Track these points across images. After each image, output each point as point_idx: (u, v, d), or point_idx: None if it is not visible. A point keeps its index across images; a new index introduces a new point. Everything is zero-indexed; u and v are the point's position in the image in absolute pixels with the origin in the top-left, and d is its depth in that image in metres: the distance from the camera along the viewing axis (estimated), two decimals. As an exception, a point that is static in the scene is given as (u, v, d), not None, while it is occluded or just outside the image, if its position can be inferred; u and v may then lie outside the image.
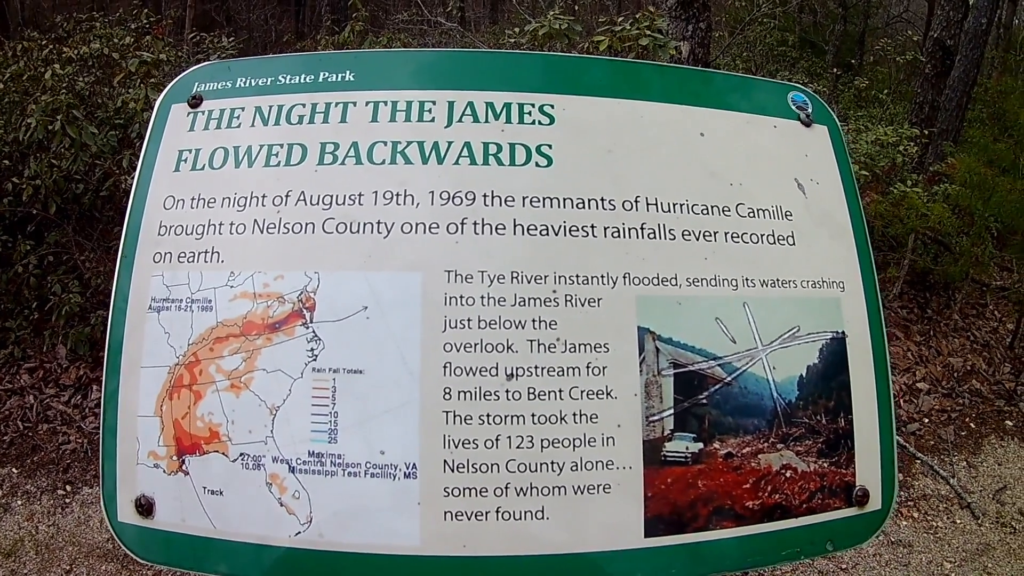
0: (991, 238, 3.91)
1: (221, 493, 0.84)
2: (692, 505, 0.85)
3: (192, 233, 0.90)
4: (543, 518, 0.81)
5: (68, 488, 2.54)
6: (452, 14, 4.48)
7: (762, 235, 0.94)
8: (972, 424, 3.24)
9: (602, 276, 0.86)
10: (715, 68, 7.12)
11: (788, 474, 0.90)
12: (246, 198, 0.90)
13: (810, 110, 1.04)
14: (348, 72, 0.95)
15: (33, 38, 3.48)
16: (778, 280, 0.93)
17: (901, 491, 2.47)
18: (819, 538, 0.91)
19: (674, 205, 0.91)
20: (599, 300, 0.85)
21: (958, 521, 2.48)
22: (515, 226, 0.87)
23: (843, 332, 0.95)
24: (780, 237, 0.95)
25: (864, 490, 0.93)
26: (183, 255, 0.89)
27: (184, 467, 0.85)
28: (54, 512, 2.43)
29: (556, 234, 0.87)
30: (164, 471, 0.86)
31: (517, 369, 0.82)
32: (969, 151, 4.25)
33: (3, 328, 3.09)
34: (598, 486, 0.82)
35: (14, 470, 2.59)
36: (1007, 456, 3.08)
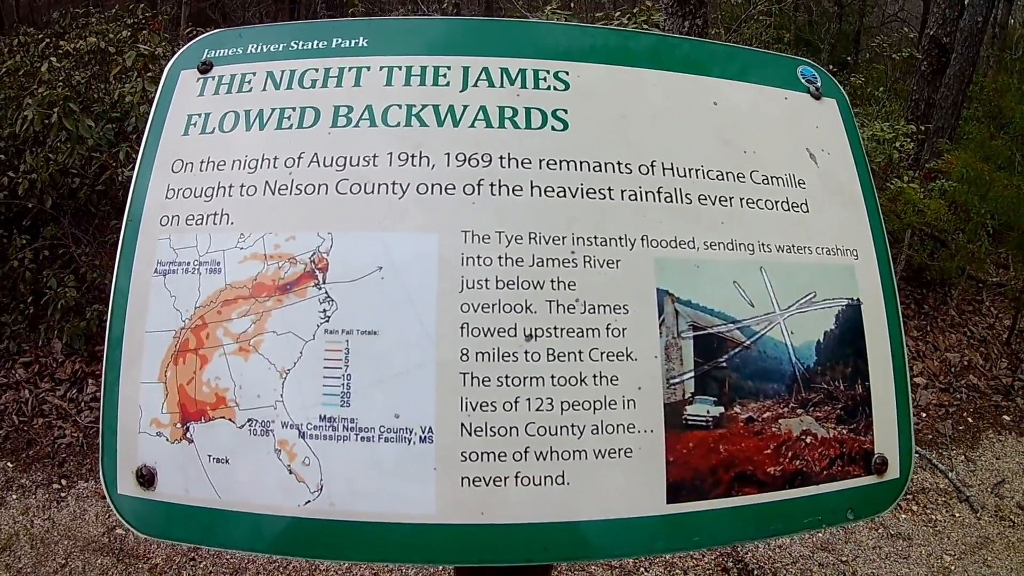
0: (987, 235, 3.94)
1: (227, 461, 0.81)
2: (714, 471, 0.84)
3: (201, 196, 0.88)
4: (564, 483, 0.79)
5: (63, 482, 2.50)
6: (447, 11, 4.49)
7: (777, 202, 0.93)
8: (970, 419, 3.25)
9: (620, 238, 0.85)
10: None
11: (808, 440, 0.89)
12: (257, 160, 0.88)
13: (819, 84, 1.04)
14: (361, 38, 0.94)
15: (29, 34, 3.46)
16: (793, 246, 0.92)
17: None
18: (840, 506, 0.89)
19: (690, 170, 0.90)
20: (618, 262, 0.84)
21: (957, 515, 2.49)
22: (532, 187, 0.85)
23: (858, 299, 0.94)
24: (794, 204, 0.94)
25: (883, 458, 0.92)
26: (191, 218, 0.87)
27: (188, 435, 0.83)
28: (49, 506, 2.38)
29: (573, 196, 0.86)
30: (167, 439, 0.83)
31: (536, 330, 0.81)
32: (966, 148, 4.28)
33: (-3, 323, 3.05)
34: (619, 450, 0.81)
35: (9, 464, 2.55)
36: (1005, 450, 3.09)
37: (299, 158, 0.87)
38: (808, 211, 0.95)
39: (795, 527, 0.89)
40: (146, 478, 0.83)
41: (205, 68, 0.95)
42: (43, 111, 2.71)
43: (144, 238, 0.88)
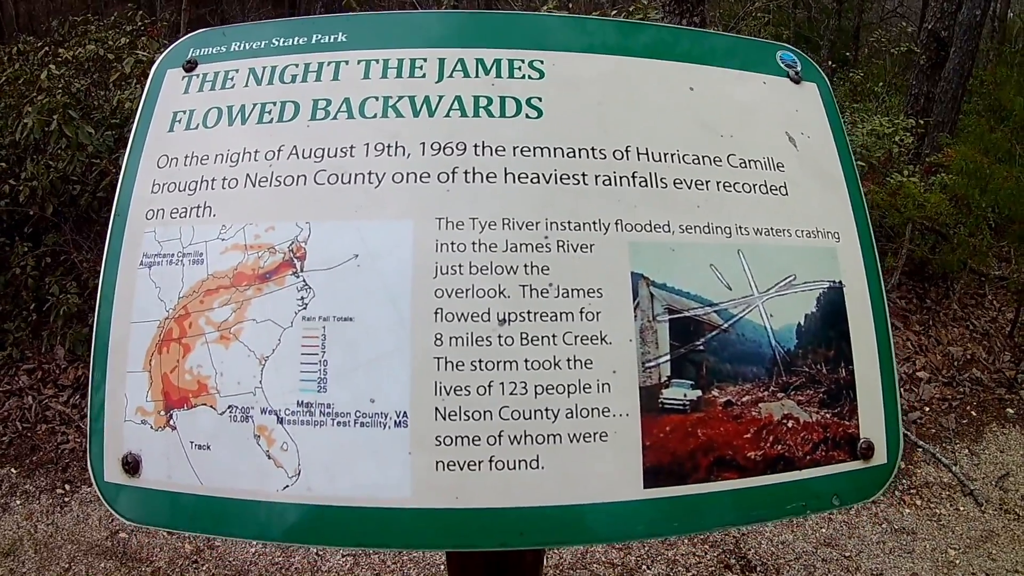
0: (989, 228, 3.91)
1: (208, 447, 0.82)
2: (692, 455, 0.83)
3: (185, 189, 0.90)
4: (538, 467, 0.79)
5: (67, 487, 2.52)
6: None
7: (755, 185, 0.93)
8: (973, 412, 3.22)
9: (594, 222, 0.85)
10: None
11: (790, 424, 0.88)
12: (239, 154, 0.90)
13: (799, 68, 1.04)
14: (340, 34, 0.96)
15: (29, 42, 3.52)
16: (772, 229, 0.92)
17: (904, 479, 2.44)
18: (824, 492, 0.89)
19: (665, 155, 0.91)
20: (591, 246, 0.85)
21: (961, 508, 2.45)
22: (506, 174, 0.86)
23: (840, 282, 0.93)
24: (773, 187, 0.94)
25: (869, 443, 0.91)
26: (175, 211, 0.89)
27: (171, 422, 0.84)
28: (53, 511, 2.41)
29: (547, 182, 0.86)
30: (151, 427, 0.84)
31: (510, 314, 0.81)
32: (965, 141, 4.24)
33: (1, 330, 3.09)
34: (595, 434, 0.81)
35: (13, 470, 2.57)
36: (1009, 444, 3.05)
37: (279, 151, 0.89)
38: (787, 194, 0.95)
39: (778, 513, 0.88)
40: (131, 465, 0.84)
41: (190, 66, 0.97)
42: (43, 119, 2.75)
43: (130, 231, 0.90)
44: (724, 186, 0.92)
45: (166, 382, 0.85)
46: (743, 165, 0.94)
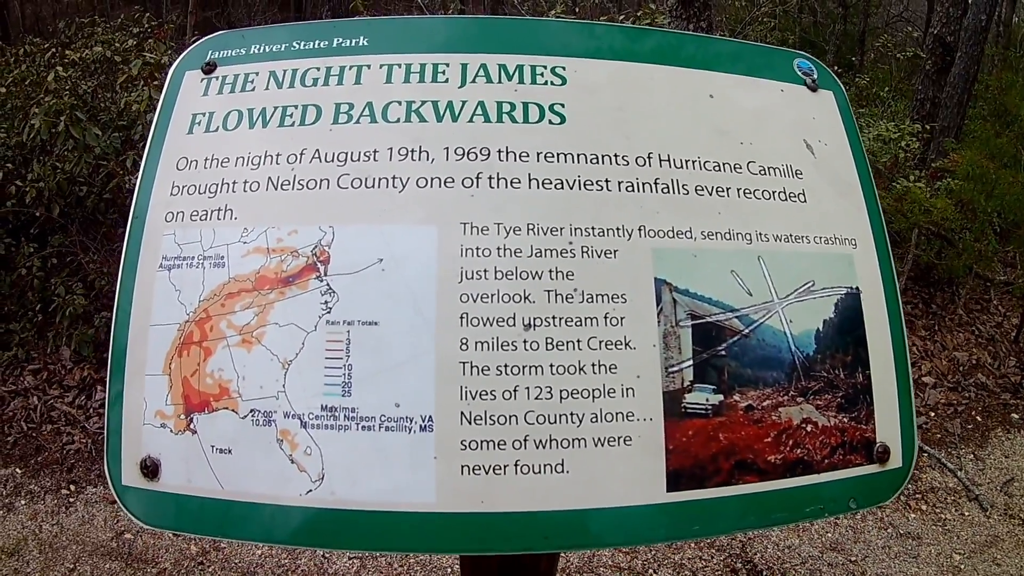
0: (994, 233, 3.91)
1: (229, 452, 0.82)
2: (714, 459, 0.84)
3: (205, 192, 0.90)
4: (563, 471, 0.80)
5: (72, 488, 2.52)
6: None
7: (774, 192, 0.94)
8: (978, 417, 3.23)
9: (618, 228, 0.86)
10: None
11: (809, 428, 0.89)
12: (260, 157, 0.90)
13: (815, 76, 1.05)
14: (362, 37, 0.96)
15: (36, 43, 3.52)
16: (791, 235, 0.93)
17: (909, 484, 2.44)
18: (842, 495, 0.89)
19: (686, 162, 0.91)
20: (615, 252, 0.85)
21: (966, 513, 2.46)
22: (530, 180, 0.86)
23: (857, 288, 0.94)
24: (791, 194, 0.95)
25: (885, 447, 0.91)
26: (195, 213, 0.89)
27: (192, 426, 0.84)
28: (58, 512, 2.40)
29: (571, 188, 0.87)
30: (171, 431, 0.84)
31: (535, 319, 0.82)
32: (971, 146, 4.23)
33: (7, 330, 3.08)
34: (619, 438, 0.81)
35: (18, 470, 2.57)
36: (1014, 449, 3.07)
37: (301, 154, 0.89)
38: (806, 201, 0.95)
39: (797, 516, 0.88)
40: (150, 469, 0.84)
41: (209, 69, 0.97)
42: (50, 120, 2.75)
43: (149, 234, 0.90)
44: (744, 193, 0.92)
45: (186, 385, 0.85)
46: (762, 172, 0.94)
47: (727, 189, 0.91)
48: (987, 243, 3.80)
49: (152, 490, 0.84)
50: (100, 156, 2.94)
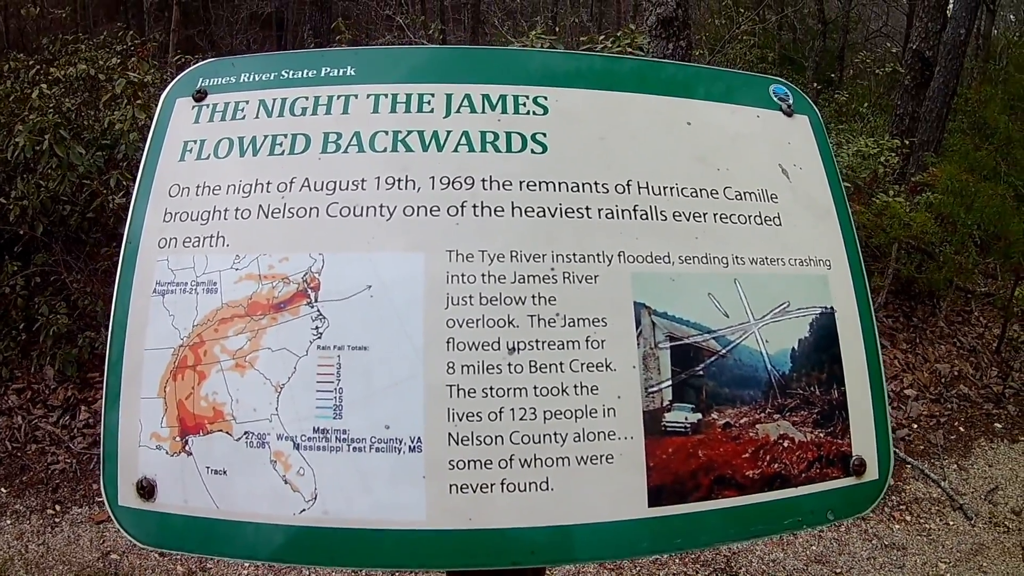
0: (974, 246, 3.99)
1: (224, 473, 0.84)
2: (694, 475, 0.87)
3: (198, 219, 0.92)
4: (548, 489, 0.82)
5: (57, 508, 2.49)
6: (434, 37, 4.59)
7: (750, 216, 0.98)
8: (961, 428, 3.30)
9: (598, 254, 0.89)
10: None
11: (786, 444, 0.92)
12: (251, 185, 0.92)
13: (791, 101, 1.10)
14: (349, 67, 0.99)
15: (19, 59, 3.50)
16: (767, 258, 0.97)
17: (893, 495, 2.49)
18: (819, 508, 0.92)
19: (664, 188, 0.95)
20: (596, 277, 0.88)
21: (951, 523, 2.51)
22: (513, 208, 0.90)
23: (831, 307, 0.98)
24: (767, 218, 0.99)
25: (861, 460, 0.95)
26: (188, 240, 0.91)
27: (187, 448, 0.85)
28: (44, 531, 2.38)
29: (553, 215, 0.90)
30: (167, 452, 0.86)
31: (519, 343, 0.84)
32: (950, 160, 4.33)
33: (-10, 349, 3.05)
34: (601, 456, 0.84)
35: (3, 490, 2.54)
36: (997, 458, 3.13)
37: (291, 183, 0.91)
38: (781, 224, 0.99)
39: (776, 528, 0.92)
40: (146, 490, 0.85)
41: (200, 96, 0.99)
42: (34, 137, 2.73)
43: (143, 260, 0.92)
44: (721, 218, 0.96)
45: (181, 408, 0.86)
46: (739, 197, 0.98)
47: (704, 214, 0.95)
48: (968, 255, 3.86)
49: (148, 510, 0.86)
50: (84, 175, 2.93)
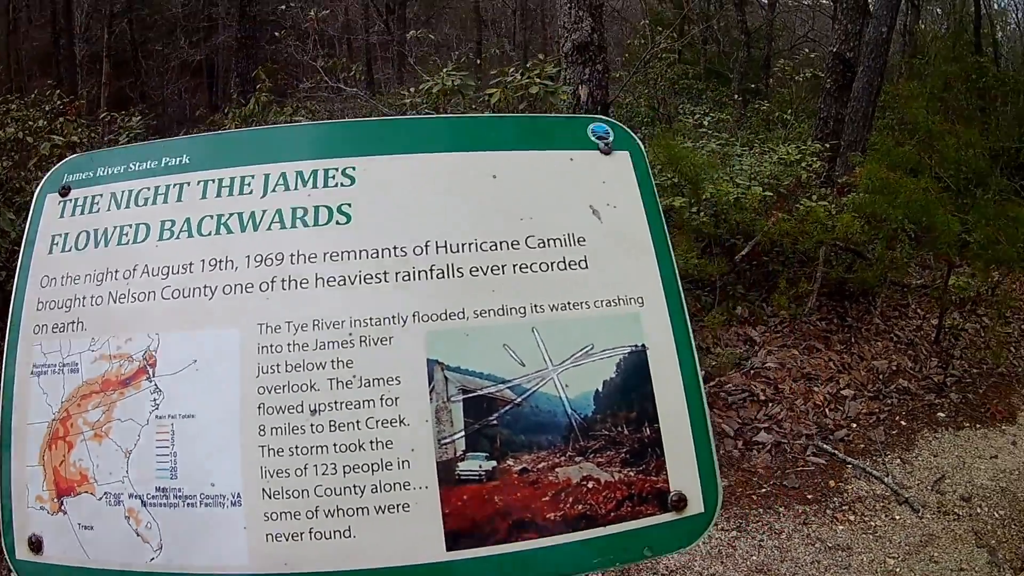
0: (909, 239, 3.88)
1: (91, 528, 0.99)
2: (491, 519, 0.93)
3: (62, 307, 1.05)
4: (351, 536, 0.92)
5: None
6: (357, 79, 4.64)
7: (552, 263, 1.01)
8: (903, 422, 3.18)
9: (393, 316, 0.96)
10: (617, 107, 7.13)
11: (590, 485, 0.96)
12: (103, 273, 1.05)
13: (611, 139, 1.11)
14: (184, 156, 1.09)
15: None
16: (569, 303, 1.00)
17: (834, 497, 2.41)
18: (634, 545, 0.96)
19: (462, 245, 1.00)
20: (391, 339, 0.95)
21: (897, 517, 2.43)
22: (317, 279, 0.98)
23: (643, 345, 1.01)
24: (571, 262, 1.02)
25: (680, 495, 0.97)
26: (56, 326, 1.05)
27: (63, 508, 1.00)
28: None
29: (353, 283, 0.98)
30: (48, 512, 1.01)
31: (319, 405, 0.93)
32: (873, 158, 4.25)
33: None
34: (397, 506, 0.92)
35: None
36: (942, 447, 3.02)
37: (133, 270, 1.03)
38: (587, 267, 1.02)
39: (584, 566, 0.96)
40: (35, 545, 1.01)
41: (65, 192, 1.12)
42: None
43: (23, 344, 1.07)
44: (520, 268, 1.00)
45: (56, 474, 1.01)
46: (541, 245, 1.02)
47: (503, 267, 1.00)
48: (901, 250, 3.79)
49: (39, 562, 1.02)
50: (15, 240, 2.84)
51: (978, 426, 3.32)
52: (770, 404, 2.98)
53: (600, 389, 0.99)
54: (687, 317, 1.04)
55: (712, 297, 3.70)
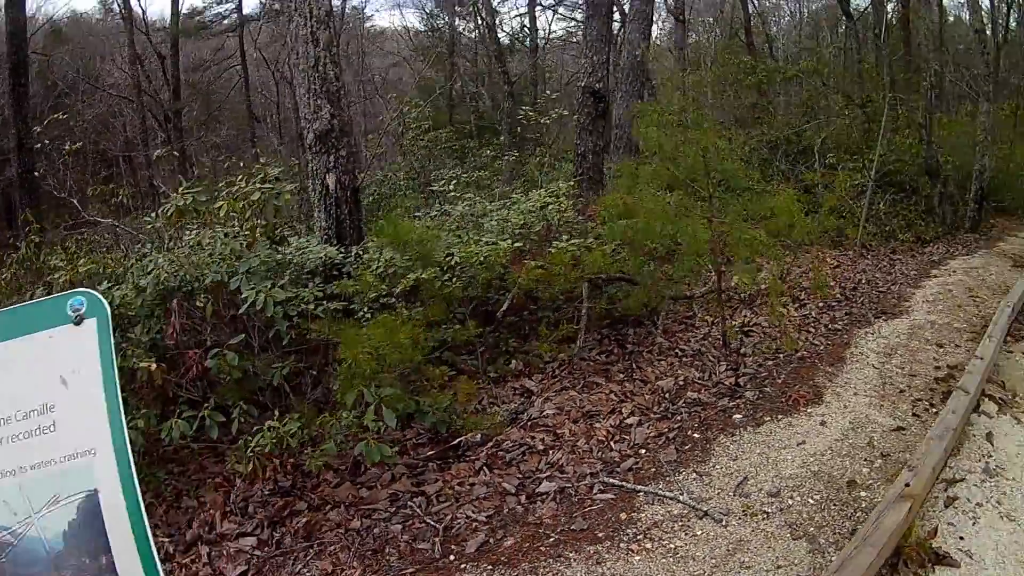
0: (666, 255, 3.78)
1: None
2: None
3: None
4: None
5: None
6: (113, 206, 4.96)
7: (31, 431, 1.28)
8: (696, 435, 2.89)
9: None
10: (377, 183, 7.21)
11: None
12: None
13: (84, 309, 1.31)
14: None
15: None
16: (43, 462, 1.26)
17: (627, 529, 2.25)
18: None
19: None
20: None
21: (699, 532, 2.21)
22: None
23: (95, 489, 1.24)
24: (44, 427, 1.27)
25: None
26: None
27: None
28: None
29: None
30: None
31: None
32: (621, 184, 4.07)
33: None
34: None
35: None
36: (741, 449, 2.74)
37: None
38: (55, 430, 1.27)
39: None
40: None
41: None
42: None
43: None
44: (12, 439, 1.28)
45: None
46: (24, 418, 1.28)
47: (2, 439, 1.27)
48: (678, 265, 3.58)
49: None
50: None
51: (780, 416, 2.98)
52: (551, 452, 2.82)
53: (67, 529, 1.24)
54: (131, 460, 1.26)
55: (477, 360, 3.51)
